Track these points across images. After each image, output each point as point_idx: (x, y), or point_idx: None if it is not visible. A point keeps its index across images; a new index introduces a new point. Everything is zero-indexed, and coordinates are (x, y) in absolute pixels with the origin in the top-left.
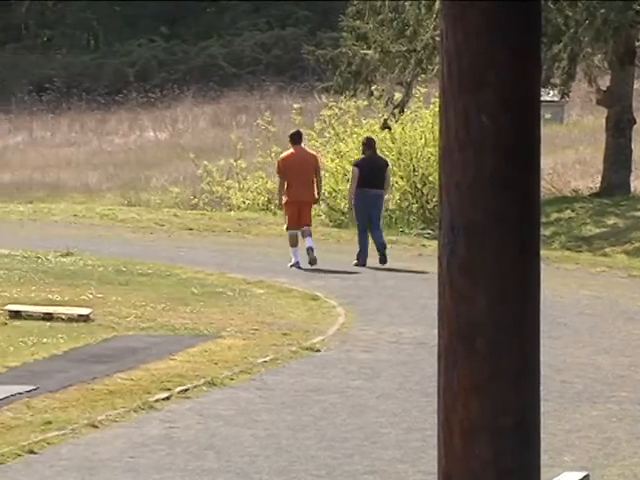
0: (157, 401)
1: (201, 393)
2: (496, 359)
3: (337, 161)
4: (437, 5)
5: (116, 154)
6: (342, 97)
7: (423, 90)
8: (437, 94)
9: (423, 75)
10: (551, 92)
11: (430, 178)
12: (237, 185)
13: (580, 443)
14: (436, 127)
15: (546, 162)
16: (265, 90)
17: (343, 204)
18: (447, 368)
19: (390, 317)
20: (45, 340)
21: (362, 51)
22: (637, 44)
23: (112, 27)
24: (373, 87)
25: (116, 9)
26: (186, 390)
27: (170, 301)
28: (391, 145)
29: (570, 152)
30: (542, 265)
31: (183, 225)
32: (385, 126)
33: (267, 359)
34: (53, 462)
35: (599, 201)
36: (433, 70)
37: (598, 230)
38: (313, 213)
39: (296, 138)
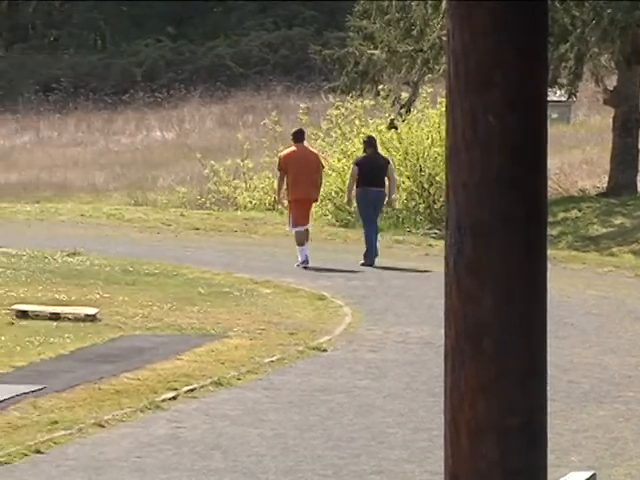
0: (164, 401)
1: (208, 393)
2: (503, 359)
3: (344, 161)
4: (444, 5)
5: (123, 154)
6: (349, 97)
7: (429, 90)
8: (444, 94)
9: (430, 75)
10: (558, 92)
11: (437, 178)
12: (244, 185)
13: (587, 443)
14: (443, 127)
15: (553, 162)
16: (272, 90)
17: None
18: (454, 368)
19: (397, 317)
20: (52, 340)
21: (369, 51)
22: None
23: (119, 27)
24: (380, 87)
25: (123, 9)
26: (193, 390)
27: (177, 301)
28: (398, 145)
29: (577, 152)
30: (549, 265)
31: (190, 225)
32: (392, 126)
33: (274, 359)
34: (60, 462)
35: (606, 201)
36: (440, 70)
37: (605, 230)
38: (320, 213)
39: (298, 136)
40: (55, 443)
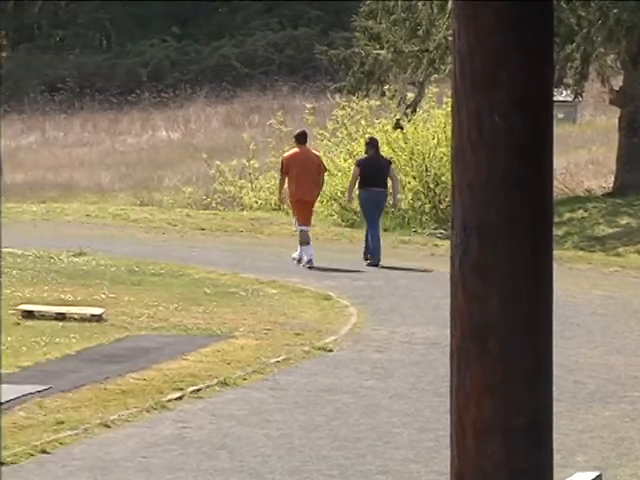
0: (170, 401)
1: (214, 393)
2: (509, 359)
3: (350, 161)
4: (450, 5)
5: (129, 154)
6: (355, 97)
7: (435, 90)
8: (449, 94)
9: (436, 75)
10: (564, 92)
11: (443, 178)
12: (250, 185)
13: (593, 443)
14: (448, 127)
15: (559, 162)
16: (278, 90)
17: (356, 204)
18: (460, 368)
19: (402, 317)
20: (58, 340)
21: (375, 51)
22: None
23: (125, 27)
24: (386, 87)
25: (128, 9)
26: (199, 390)
27: (182, 301)
28: (404, 145)
29: (583, 152)
30: (555, 265)
31: (196, 225)
32: (397, 126)
33: (280, 359)
34: (66, 462)
35: (612, 201)
36: (446, 70)
37: (611, 230)
38: (325, 213)
39: (301, 138)
40: (61, 443)
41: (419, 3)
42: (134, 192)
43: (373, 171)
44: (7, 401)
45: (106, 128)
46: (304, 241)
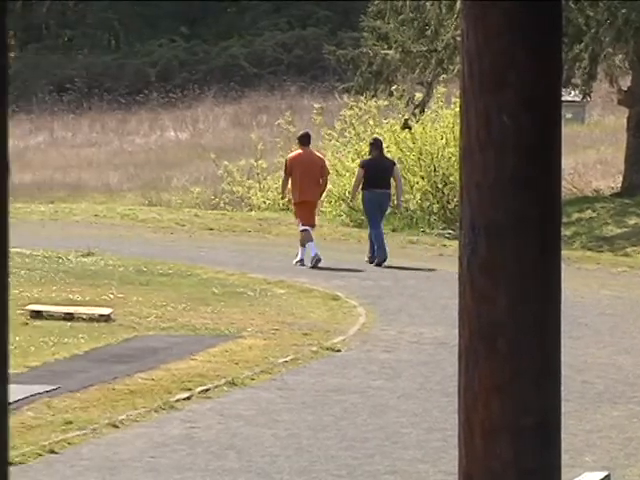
0: (178, 401)
1: (222, 393)
2: (517, 359)
3: (358, 161)
4: (458, 5)
5: (137, 154)
6: (363, 97)
7: (443, 90)
8: (458, 94)
9: (444, 75)
10: (572, 92)
11: (451, 178)
12: (258, 185)
13: (601, 443)
14: (457, 127)
15: (567, 162)
16: (286, 90)
17: (358, 203)
18: (468, 368)
19: (411, 317)
20: (66, 340)
21: (383, 51)
22: None
23: (133, 27)
24: (394, 87)
25: (137, 9)
26: (207, 390)
27: (191, 301)
28: (412, 145)
29: (591, 152)
30: (563, 265)
31: (204, 225)
32: (406, 126)
33: (288, 359)
34: (74, 462)
35: (620, 201)
36: (454, 70)
37: (619, 230)
38: (334, 213)
39: (304, 140)
40: (69, 443)
41: (427, 3)
42: (142, 192)
43: (377, 172)
44: (15, 401)
45: (114, 128)
46: (305, 241)
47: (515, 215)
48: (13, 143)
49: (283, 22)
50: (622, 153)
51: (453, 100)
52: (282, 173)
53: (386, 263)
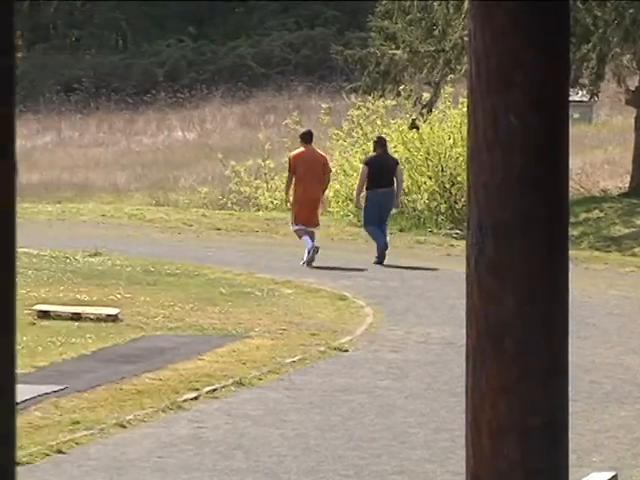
0: (185, 401)
1: (229, 393)
2: (524, 359)
3: None
4: (466, 5)
5: (144, 154)
6: (370, 97)
7: (451, 90)
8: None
9: (451, 75)
10: (580, 92)
11: (459, 178)
12: (265, 185)
13: (608, 443)
14: (464, 127)
15: (575, 162)
16: (293, 90)
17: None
18: (475, 368)
19: (418, 317)
20: (73, 340)
21: (390, 51)
22: None
23: (141, 27)
24: (401, 87)
25: (144, 9)
26: (214, 390)
27: (198, 301)
28: (419, 145)
29: (599, 152)
30: (570, 265)
31: (211, 225)
32: (413, 126)
33: (295, 359)
34: (81, 462)
35: (628, 201)
36: (461, 70)
37: (627, 230)
38: (342, 213)
39: (307, 138)
40: (77, 443)
41: (435, 3)
42: (150, 192)
43: (381, 171)
44: (23, 401)
45: (122, 128)
46: (300, 236)
47: (522, 215)
48: (20, 143)
49: (291, 22)
50: (630, 153)
51: (461, 100)
52: (286, 173)
53: (393, 262)
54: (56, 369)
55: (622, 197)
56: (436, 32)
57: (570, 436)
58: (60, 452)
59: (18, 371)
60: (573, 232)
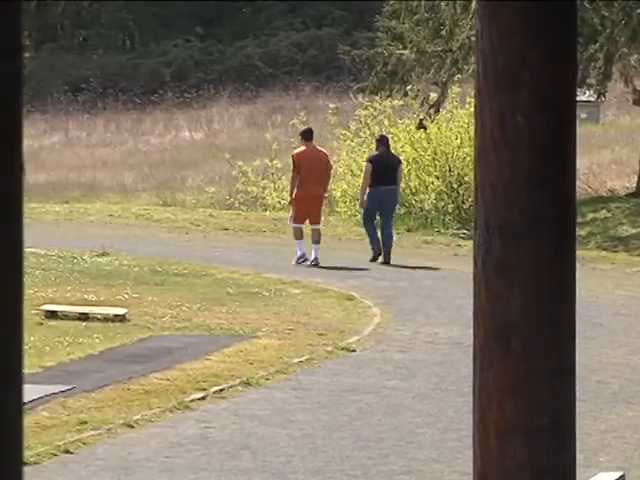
0: (193, 401)
1: (237, 393)
2: (531, 359)
3: None
4: (473, 5)
5: (152, 154)
6: (378, 97)
7: (458, 90)
8: (472, 94)
9: (459, 75)
10: (587, 92)
11: (466, 178)
12: (272, 185)
13: (616, 443)
14: (471, 127)
15: (582, 162)
16: (301, 90)
17: None
18: (482, 368)
19: (426, 317)
20: (81, 340)
21: (398, 51)
22: None
23: (148, 27)
24: (409, 87)
25: (151, 9)
26: (222, 390)
27: (206, 301)
28: (426, 145)
29: (606, 152)
30: (577, 265)
31: (219, 225)
32: (421, 126)
33: (303, 359)
34: (89, 462)
35: (635, 201)
36: (469, 70)
37: (634, 230)
38: (348, 213)
39: (307, 135)
40: (84, 443)
41: (442, 3)
42: (157, 192)
43: (384, 168)
44: (30, 401)
45: (129, 128)
46: (296, 238)
47: (530, 215)
48: (28, 143)
49: (298, 22)
50: (637, 153)
51: (468, 100)
52: (291, 171)
53: (400, 262)
54: (63, 369)
55: (629, 197)
56: (443, 32)
57: (577, 436)
58: (67, 452)
59: (25, 371)
60: (580, 232)
